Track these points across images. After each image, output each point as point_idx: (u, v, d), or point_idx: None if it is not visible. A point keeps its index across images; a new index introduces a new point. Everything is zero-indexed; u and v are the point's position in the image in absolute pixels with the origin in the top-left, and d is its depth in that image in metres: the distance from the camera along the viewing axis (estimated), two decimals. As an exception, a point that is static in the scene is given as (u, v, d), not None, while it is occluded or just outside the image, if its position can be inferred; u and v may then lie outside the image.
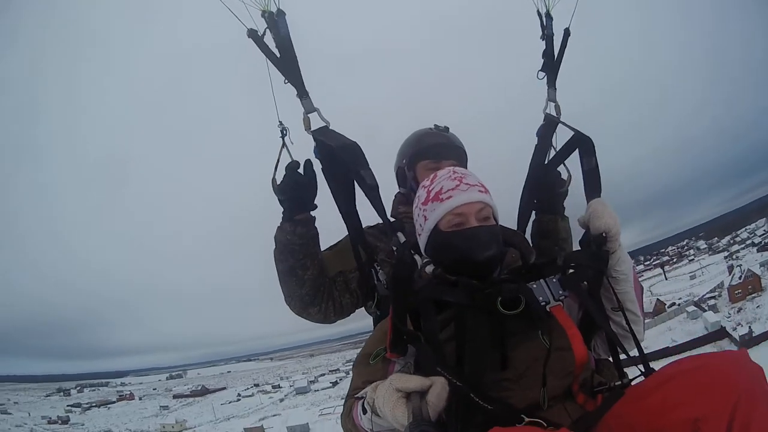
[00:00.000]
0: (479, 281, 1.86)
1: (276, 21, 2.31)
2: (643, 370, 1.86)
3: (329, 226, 2.56)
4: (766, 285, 70.47)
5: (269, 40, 2.33)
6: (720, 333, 64.19)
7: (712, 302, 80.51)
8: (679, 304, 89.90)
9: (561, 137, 2.64)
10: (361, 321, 2.77)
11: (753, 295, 70.64)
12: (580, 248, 2.14)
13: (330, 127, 2.37)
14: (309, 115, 2.36)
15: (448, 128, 2.92)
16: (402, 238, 2.13)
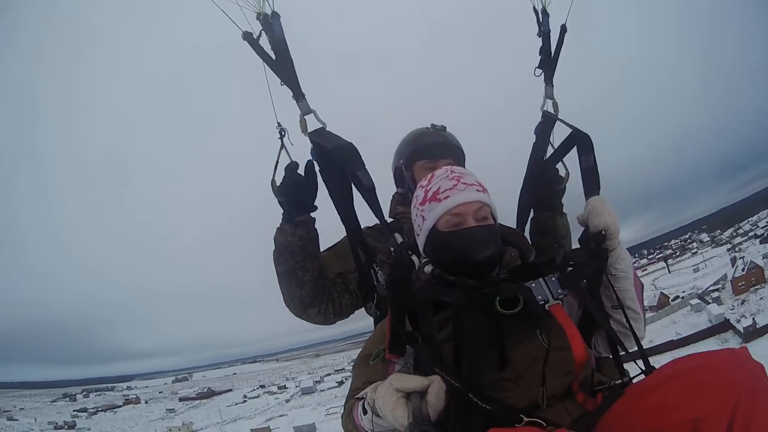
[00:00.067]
0: (478, 281, 1.86)
1: (271, 23, 2.30)
2: (643, 367, 1.86)
3: (328, 227, 2.56)
4: (769, 276, 70.49)
5: (265, 42, 2.33)
6: (724, 325, 64.25)
7: (715, 295, 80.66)
8: (682, 297, 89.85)
9: (560, 134, 2.64)
10: (365, 320, 2.76)
11: (756, 286, 70.73)
12: (579, 246, 2.12)
13: (327, 129, 2.36)
14: (305, 116, 2.36)
15: (445, 127, 2.92)
16: (399, 239, 2.12)
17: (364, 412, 1.72)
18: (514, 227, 2.66)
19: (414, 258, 2.04)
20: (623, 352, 1.98)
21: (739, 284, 73.43)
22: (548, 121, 2.72)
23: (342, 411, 2.00)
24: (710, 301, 77.35)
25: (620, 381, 1.83)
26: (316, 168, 2.42)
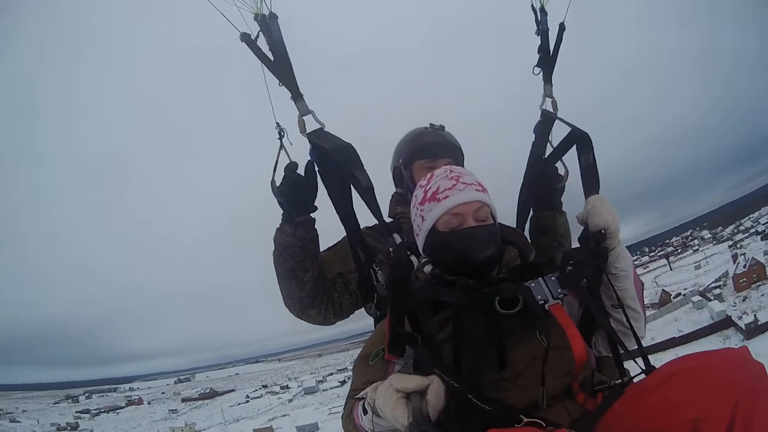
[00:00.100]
0: (477, 281, 1.85)
1: (269, 24, 2.30)
2: (643, 367, 1.86)
3: (328, 228, 2.56)
4: (770, 273, 70.51)
5: (263, 43, 2.33)
6: (725, 322, 64.27)
7: (717, 292, 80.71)
8: (684, 295, 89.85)
9: (559, 133, 2.64)
10: (367, 320, 2.75)
11: (758, 283, 70.77)
12: (578, 245, 2.11)
13: (325, 129, 2.36)
14: (304, 117, 2.36)
15: (443, 127, 2.92)
16: (398, 239, 2.12)
17: (365, 412, 1.72)
18: (514, 226, 2.65)
19: (413, 258, 2.04)
20: (623, 352, 1.97)
21: (741, 281, 73.44)
22: (547, 119, 2.71)
23: (342, 411, 2.00)
24: (712, 298, 77.37)
25: (620, 381, 1.82)
26: (316, 168, 2.41)
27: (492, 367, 1.77)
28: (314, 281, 2.50)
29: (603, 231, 1.96)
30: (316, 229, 2.53)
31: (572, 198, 2.69)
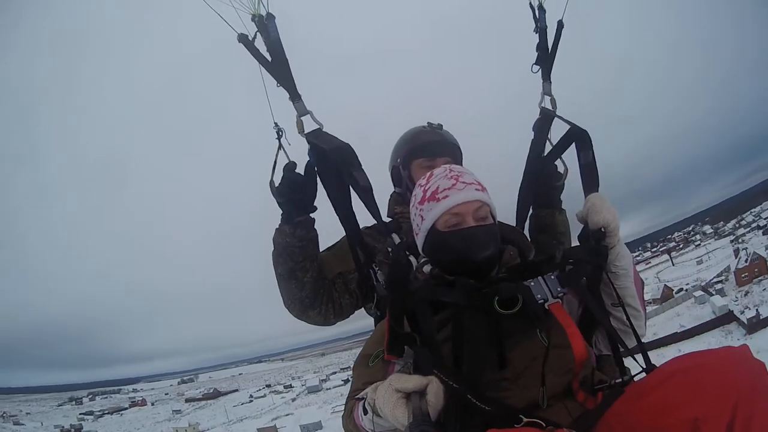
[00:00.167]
0: (477, 281, 1.85)
1: (266, 25, 2.30)
2: (644, 365, 1.85)
3: (326, 228, 2.55)
4: (772, 268, 70.49)
5: (261, 44, 2.32)
6: (728, 317, 64.24)
7: (719, 286, 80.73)
8: (686, 290, 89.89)
9: (558, 131, 2.63)
10: (369, 319, 2.75)
11: (759, 277, 70.82)
12: (578, 243, 2.11)
13: (323, 129, 2.36)
14: (302, 117, 2.35)
15: (441, 125, 2.92)
16: (396, 239, 2.11)
17: (365, 412, 1.72)
18: (514, 225, 2.63)
19: (412, 258, 2.04)
20: (624, 350, 1.97)
21: (743, 275, 73.45)
22: (546, 117, 2.70)
23: (343, 411, 2.00)
24: (714, 292, 77.39)
25: (621, 380, 1.82)
26: (315, 168, 2.41)
27: (492, 367, 1.77)
28: (314, 282, 2.50)
29: (603, 229, 1.95)
30: (315, 230, 2.53)
31: (572, 196, 2.69)
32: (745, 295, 69.26)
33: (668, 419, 1.42)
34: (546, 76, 2.76)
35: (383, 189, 2.52)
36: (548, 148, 2.69)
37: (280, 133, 2.40)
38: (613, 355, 2.04)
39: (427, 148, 2.77)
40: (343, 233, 2.55)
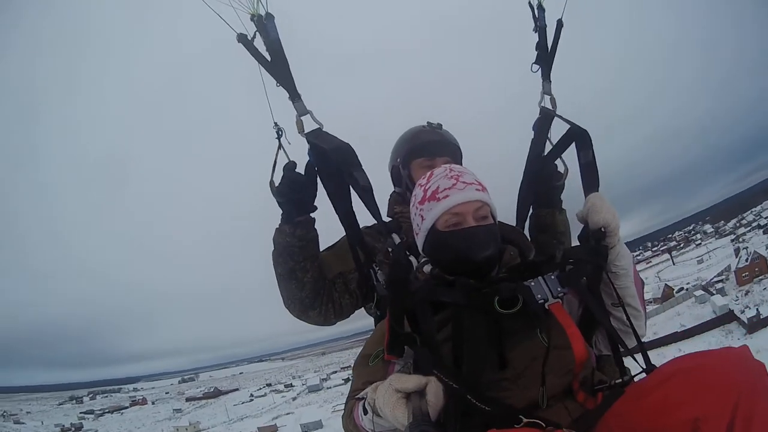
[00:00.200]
0: (477, 281, 1.85)
1: (265, 24, 2.30)
2: (644, 365, 1.85)
3: (325, 227, 2.55)
4: (773, 267, 70.50)
5: (260, 43, 2.32)
6: (728, 316, 64.24)
7: (719, 286, 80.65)
8: (687, 289, 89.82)
9: (559, 130, 2.63)
10: (369, 318, 2.74)
11: (760, 277, 70.84)
12: (578, 243, 2.10)
13: (323, 129, 2.36)
14: (302, 117, 2.35)
15: (441, 125, 2.91)
16: (397, 239, 2.11)
17: (365, 412, 1.72)
18: (514, 224, 2.64)
19: (412, 258, 2.03)
20: (624, 350, 1.97)
21: (743, 275, 73.44)
22: (546, 117, 2.69)
23: (343, 411, 2.00)
24: (714, 292, 77.36)
25: (621, 380, 1.81)
26: (315, 168, 2.41)
27: (492, 367, 1.77)
28: (314, 282, 2.49)
29: (603, 229, 1.95)
30: (315, 229, 2.52)
31: (572, 196, 2.68)
32: (746, 294, 69.27)
33: (668, 420, 1.42)
34: (546, 76, 2.76)
35: (383, 189, 2.52)
36: (548, 147, 2.69)
37: (280, 132, 2.40)
38: (613, 355, 2.04)
39: (426, 148, 2.77)
40: (342, 233, 2.55)
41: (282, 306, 2.60)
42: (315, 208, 2.49)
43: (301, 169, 2.41)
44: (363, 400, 1.75)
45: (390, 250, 2.13)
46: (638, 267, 2.13)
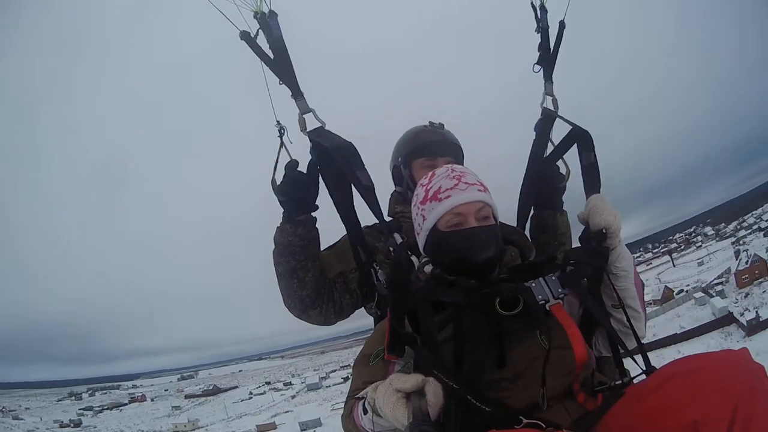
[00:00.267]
0: (478, 281, 1.85)
1: (268, 22, 2.30)
2: (643, 367, 1.85)
3: (324, 227, 2.55)
4: (773, 270, 70.48)
5: (263, 41, 2.33)
6: (727, 318, 64.27)
7: (719, 288, 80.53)
8: (687, 291, 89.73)
9: (560, 131, 2.63)
10: (369, 318, 2.74)
11: (760, 279, 70.76)
12: (579, 245, 2.11)
13: (326, 128, 2.36)
14: (304, 115, 2.35)
15: (443, 125, 2.91)
16: (399, 239, 2.11)
17: (365, 411, 1.72)
18: (515, 225, 2.64)
19: (413, 258, 2.03)
20: (623, 351, 1.97)
21: (743, 277, 73.38)
22: (548, 118, 2.70)
23: (342, 411, 2.00)
24: (714, 294, 77.28)
25: (620, 381, 1.82)
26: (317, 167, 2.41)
27: (492, 367, 1.77)
28: (315, 281, 2.50)
29: (604, 230, 1.95)
30: (317, 228, 2.52)
31: (572, 197, 2.68)
32: (745, 296, 69.24)
33: (668, 422, 1.43)
34: (548, 77, 2.76)
35: (382, 188, 2.52)
36: (549, 148, 2.70)
37: (282, 131, 2.40)
38: (613, 356, 2.04)
39: (428, 148, 2.77)
40: (342, 232, 2.56)
41: (282, 305, 2.60)
42: (316, 207, 2.49)
43: (302, 167, 2.42)
44: (363, 399, 1.76)
45: (391, 249, 2.13)
46: (638, 268, 2.13)
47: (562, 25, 2.80)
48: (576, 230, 2.34)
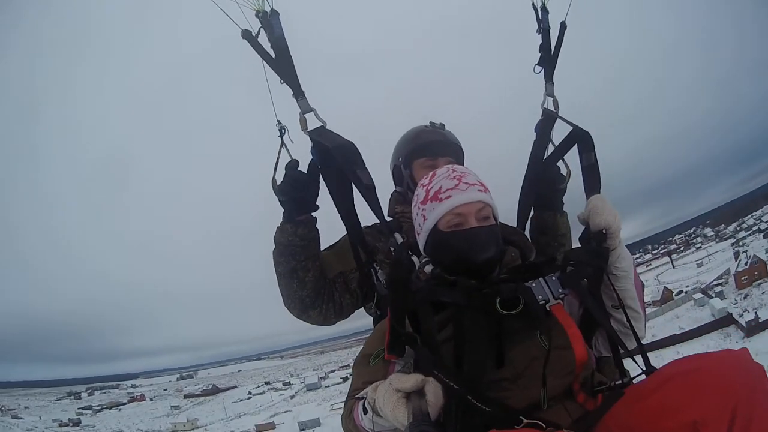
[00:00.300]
0: (478, 281, 1.85)
1: (270, 21, 2.30)
2: (643, 367, 1.85)
3: (325, 226, 2.55)
4: (772, 271, 70.51)
5: (265, 40, 2.32)
6: (726, 319, 64.37)
7: (718, 289, 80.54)
8: (686, 292, 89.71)
9: (560, 132, 2.63)
10: (369, 318, 2.74)
11: (759, 281, 70.78)
12: (579, 245, 2.11)
13: (327, 127, 2.36)
14: (305, 115, 2.35)
15: (443, 125, 2.91)
16: (400, 238, 2.12)
17: (365, 411, 1.72)
18: (515, 225, 2.64)
19: (414, 258, 2.04)
20: (623, 351, 1.97)
21: (742, 278, 73.41)
22: (548, 118, 2.70)
23: (342, 411, 2.00)
24: (713, 295, 77.31)
25: (620, 381, 1.82)
26: (318, 166, 2.41)
27: (492, 367, 1.77)
28: (315, 281, 2.50)
29: (604, 231, 1.95)
30: (317, 228, 2.52)
31: (572, 197, 2.68)
32: (745, 298, 69.28)
33: (668, 422, 1.43)
34: (549, 78, 2.76)
35: (382, 188, 2.52)
36: (550, 149, 2.70)
37: (283, 130, 2.40)
38: (612, 356, 2.03)
39: (429, 148, 2.76)
40: (342, 233, 2.56)
41: (281, 305, 2.60)
42: (317, 208, 2.49)
43: (303, 167, 2.42)
44: (363, 399, 1.76)
45: (392, 249, 2.13)
46: (638, 270, 2.13)
47: (563, 27, 2.80)
48: (576, 231, 2.35)
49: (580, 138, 2.39)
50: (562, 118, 2.60)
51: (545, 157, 2.72)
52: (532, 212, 2.81)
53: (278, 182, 2.40)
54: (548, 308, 1.81)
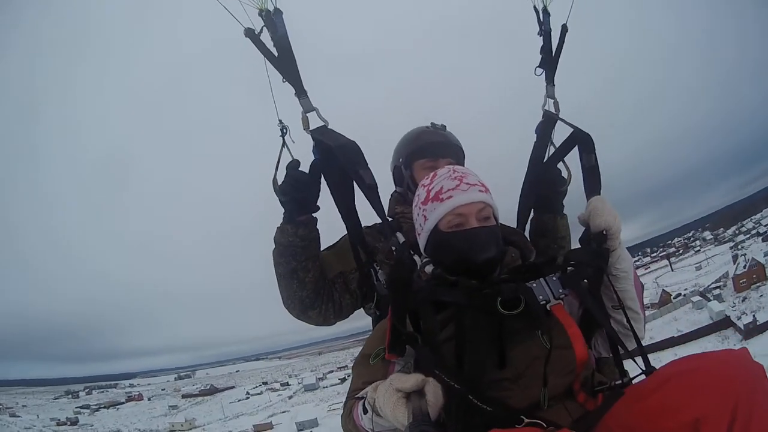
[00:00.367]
0: (479, 281, 1.85)
1: (273, 20, 2.30)
2: (643, 367, 1.85)
3: (325, 226, 2.55)
4: (770, 274, 70.52)
5: (267, 39, 2.32)
6: (725, 322, 64.33)
7: (717, 292, 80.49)
8: (684, 295, 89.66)
9: (561, 133, 2.63)
10: (367, 318, 2.74)
11: (757, 284, 70.68)
12: (580, 246, 2.11)
13: (329, 127, 2.36)
14: (307, 114, 2.35)
15: (444, 126, 2.91)
16: (401, 238, 2.12)
17: (365, 411, 1.72)
18: (515, 227, 2.65)
19: (416, 258, 2.05)
20: (623, 352, 1.97)
21: (741, 281, 73.34)
22: (549, 120, 2.71)
23: (342, 411, 2.00)
24: (711, 298, 77.25)
25: (620, 381, 1.83)
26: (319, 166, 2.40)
27: (493, 367, 1.77)
28: (315, 281, 2.49)
29: (604, 232, 1.96)
30: (317, 229, 2.52)
31: (572, 199, 2.69)
32: (743, 301, 69.25)
33: (668, 422, 1.43)
34: (550, 80, 2.76)
35: (382, 189, 2.52)
36: (550, 150, 2.70)
37: (284, 130, 2.40)
38: (612, 357, 2.04)
39: (429, 149, 2.76)
40: (342, 233, 2.57)
41: (279, 305, 2.59)
42: (318, 208, 2.49)
43: (304, 167, 2.42)
44: (363, 399, 1.76)
45: (394, 249, 2.14)
46: (637, 272, 2.14)
47: (564, 29, 2.80)
48: (576, 232, 2.35)
49: (581, 140, 2.39)
50: (563, 120, 2.60)
51: (546, 158, 2.72)
52: (531, 214, 2.81)
53: (279, 182, 2.39)
54: (549, 308, 1.82)
